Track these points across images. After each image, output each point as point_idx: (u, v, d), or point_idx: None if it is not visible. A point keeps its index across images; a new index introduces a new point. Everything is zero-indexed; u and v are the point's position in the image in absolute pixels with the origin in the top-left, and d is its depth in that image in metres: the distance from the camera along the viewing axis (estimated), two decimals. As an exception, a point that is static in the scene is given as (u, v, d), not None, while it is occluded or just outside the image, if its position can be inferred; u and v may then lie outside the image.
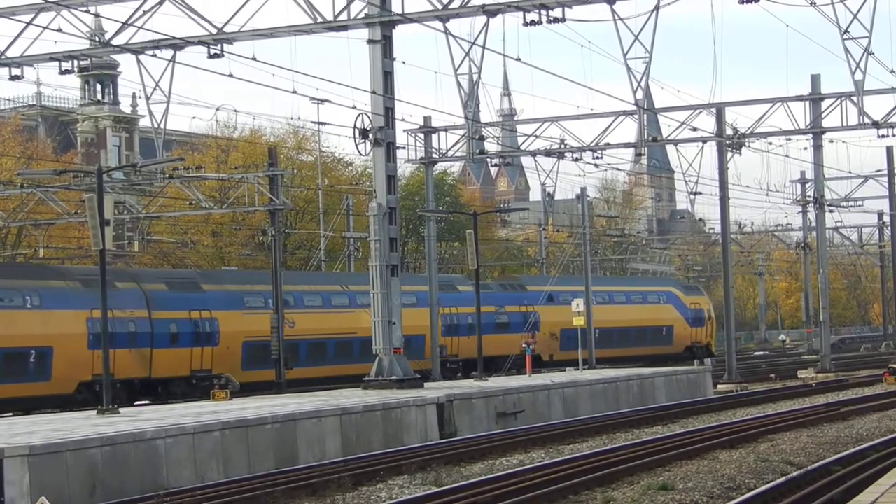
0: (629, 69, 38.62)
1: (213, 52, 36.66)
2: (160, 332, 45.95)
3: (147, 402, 43.67)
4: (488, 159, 59.43)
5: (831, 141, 57.62)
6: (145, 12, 36.79)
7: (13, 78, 38.83)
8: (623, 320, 67.97)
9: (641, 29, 37.75)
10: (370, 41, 37.13)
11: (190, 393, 45.73)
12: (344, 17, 36.93)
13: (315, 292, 53.20)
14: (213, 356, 47.61)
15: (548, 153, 55.22)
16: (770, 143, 55.38)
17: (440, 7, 36.71)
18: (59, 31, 35.24)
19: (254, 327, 48.81)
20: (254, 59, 32.42)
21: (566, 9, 35.53)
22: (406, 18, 37.05)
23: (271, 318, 48.30)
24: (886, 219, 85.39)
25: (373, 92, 37.15)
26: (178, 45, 37.08)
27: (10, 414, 39.20)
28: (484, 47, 38.20)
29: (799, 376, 59.46)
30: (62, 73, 38.94)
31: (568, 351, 60.30)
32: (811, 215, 73.75)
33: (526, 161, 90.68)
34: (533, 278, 74.47)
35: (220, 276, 53.89)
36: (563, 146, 53.78)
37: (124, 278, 46.96)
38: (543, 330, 62.77)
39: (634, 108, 43.29)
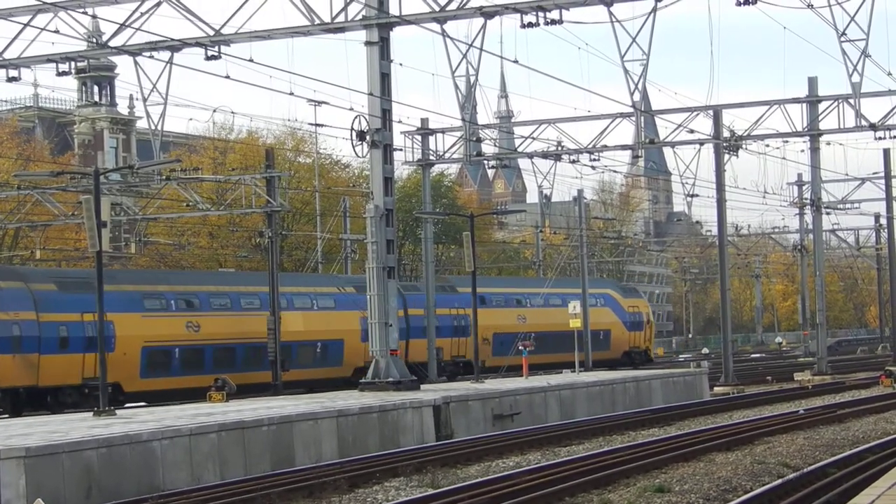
0: (626, 71, 38.67)
1: (210, 53, 36.67)
2: (48, 337, 42.01)
3: (142, 403, 43.60)
4: (485, 161, 59.31)
5: (828, 143, 57.66)
6: (143, 14, 36.80)
7: (10, 79, 38.82)
8: (557, 324, 61.46)
9: (639, 31, 37.79)
10: (367, 43, 37.14)
11: (82, 403, 41.73)
12: (341, 18, 36.94)
13: (223, 293, 49.63)
14: (108, 363, 44.74)
15: (545, 155, 55.26)
16: (767, 146, 55.48)
17: (437, 9, 36.72)
18: (57, 32, 35.22)
19: (154, 331, 45.55)
20: (251, 60, 32.40)
21: (563, 11, 35.55)
22: (403, 20, 37.05)
23: (267, 319, 48.28)
24: (883, 221, 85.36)
25: (370, 94, 37.15)
26: (175, 46, 37.07)
27: None
28: (481, 49, 38.23)
29: (795, 378, 59.48)
30: (59, 74, 38.96)
31: (501, 356, 56.01)
32: (808, 218, 73.67)
33: (523, 163, 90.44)
34: (465, 279, 70.59)
35: (116, 275, 49.98)
36: (560, 148, 53.82)
37: (9, 276, 43.30)
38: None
39: (632, 110, 43.34)
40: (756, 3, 36.30)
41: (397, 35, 37.86)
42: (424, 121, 54.10)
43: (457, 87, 39.88)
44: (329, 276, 60.12)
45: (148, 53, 37.60)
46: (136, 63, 37.81)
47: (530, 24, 35.69)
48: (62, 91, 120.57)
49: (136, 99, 71.69)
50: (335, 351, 52.35)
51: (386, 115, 37.52)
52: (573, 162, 54.27)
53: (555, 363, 59.88)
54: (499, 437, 31.68)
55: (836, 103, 53.37)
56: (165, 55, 37.64)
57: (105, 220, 29.88)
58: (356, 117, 37.09)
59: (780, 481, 21.39)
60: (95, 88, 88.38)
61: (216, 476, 25.06)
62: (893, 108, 52.01)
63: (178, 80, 54.42)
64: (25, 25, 37.47)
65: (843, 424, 34.09)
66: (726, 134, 53.30)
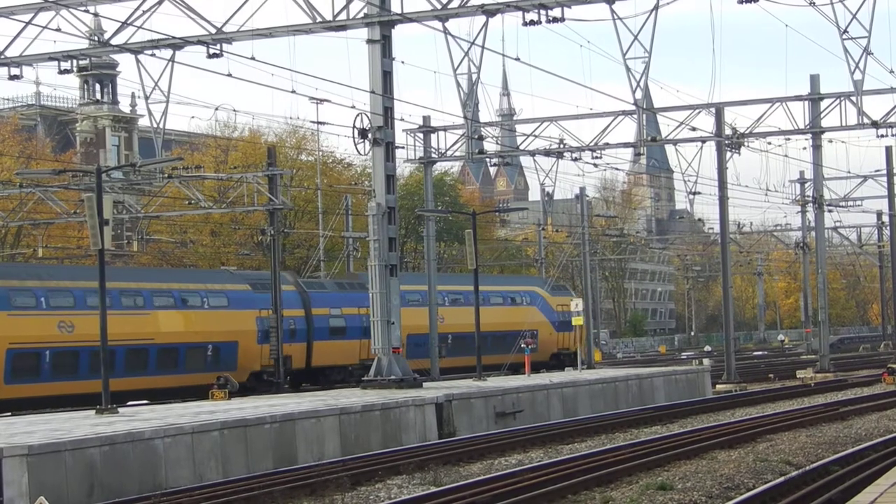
0: (628, 69, 38.62)
1: (212, 51, 36.66)
2: None
3: (144, 402, 43.59)
4: (487, 159, 59.35)
5: (830, 141, 57.63)
6: (144, 12, 36.79)
7: (12, 77, 38.82)
8: (485, 324, 56.27)
9: (641, 29, 37.77)
10: (369, 41, 37.14)
11: None
12: (343, 16, 36.93)
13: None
14: None
15: (547, 153, 55.21)
16: (769, 143, 55.40)
17: (439, 7, 36.71)
18: (59, 30, 35.24)
19: (23, 332, 41.29)
20: (253, 58, 32.42)
21: (565, 8, 35.52)
22: (405, 18, 37.04)
23: (270, 317, 48.30)
24: (885, 219, 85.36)
25: (372, 92, 37.15)
26: (177, 44, 37.07)
27: None
28: (483, 47, 38.22)
29: (798, 376, 59.46)
30: (61, 72, 38.94)
31: (415, 359, 51.08)
32: (810, 215, 73.72)
33: (525, 161, 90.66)
34: None
35: None
36: (562, 146, 53.79)
37: None
38: None
39: (633, 107, 43.26)
40: (758, 0, 36.29)
41: (399, 33, 37.92)
42: (426, 118, 54.11)
43: (459, 84, 39.87)
44: (222, 272, 55.38)
45: (150, 51, 37.60)
46: (137, 61, 37.82)
47: (532, 22, 35.67)
48: (64, 89, 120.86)
49: (138, 97, 71.76)
50: (228, 354, 47.98)
51: (388, 112, 37.53)
52: (575, 160, 54.23)
53: (474, 367, 56.91)
54: (501, 435, 31.68)
55: (838, 101, 53.33)
56: (167, 53, 37.66)
57: (107, 218, 29.85)
58: (358, 115, 37.12)
59: (782, 479, 21.39)
60: (97, 86, 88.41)
61: (218, 474, 25.07)
62: (895, 106, 51.98)
63: (180, 78, 54.76)
64: (27, 23, 37.47)
65: (845, 422, 34.09)
66: (728, 131, 53.26)
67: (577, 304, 50.70)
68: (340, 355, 52.63)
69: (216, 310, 48.37)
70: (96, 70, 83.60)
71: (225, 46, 36.76)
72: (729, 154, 53.48)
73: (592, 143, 53.31)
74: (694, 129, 51.44)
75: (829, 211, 69.95)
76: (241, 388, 45.91)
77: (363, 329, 50.92)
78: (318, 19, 36.90)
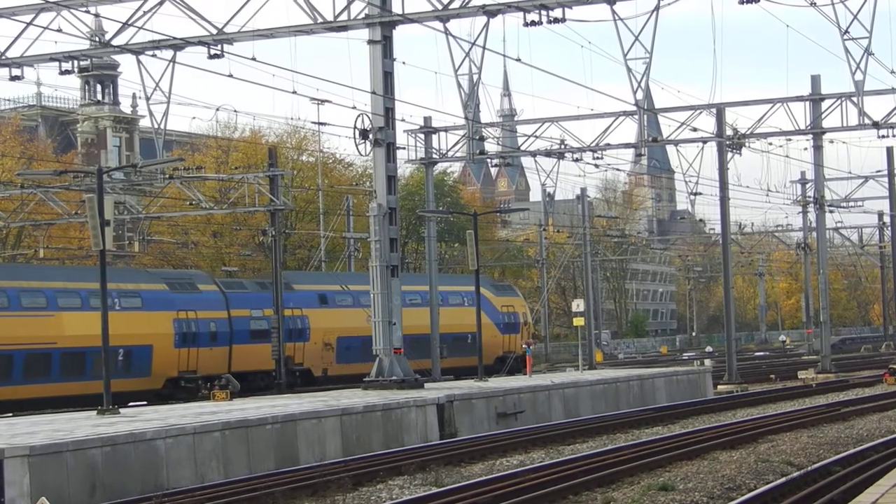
0: (629, 69, 38.64)
1: (213, 52, 36.70)
2: None
3: (145, 402, 43.60)
4: (488, 160, 59.34)
5: (831, 141, 57.66)
6: (145, 13, 36.82)
7: (13, 78, 38.87)
8: (416, 326, 53.71)
9: (641, 29, 37.82)
10: (370, 41, 37.15)
11: None
12: (344, 17, 36.95)
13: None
14: None
15: (548, 153, 55.25)
16: (770, 144, 55.45)
17: (440, 7, 36.73)
18: (60, 31, 35.28)
19: None
20: (254, 59, 32.44)
21: (566, 9, 35.55)
22: (406, 19, 37.05)
23: (271, 318, 48.30)
24: (887, 219, 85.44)
25: (373, 92, 37.16)
26: (178, 45, 37.09)
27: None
28: (484, 48, 38.25)
29: (799, 377, 59.44)
30: (62, 73, 38.99)
31: (347, 363, 50.34)
32: (811, 216, 73.73)
33: (526, 161, 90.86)
34: (302, 275, 60.91)
35: None
36: (563, 146, 53.82)
37: None
38: (314, 338, 51.93)
39: (634, 108, 43.30)
40: (759, 1, 36.30)
41: (400, 33, 37.97)
42: (427, 119, 54.14)
43: (460, 85, 39.91)
44: (136, 271, 52.79)
45: (151, 52, 37.63)
46: (138, 62, 37.85)
47: (533, 23, 35.70)
48: (65, 90, 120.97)
49: (139, 97, 71.72)
50: (141, 359, 45.17)
51: (389, 113, 37.54)
52: (576, 160, 54.26)
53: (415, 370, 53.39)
54: (502, 436, 31.67)
55: (839, 101, 53.35)
56: (168, 54, 37.69)
57: (108, 219, 29.86)
58: (359, 116, 37.13)
59: (783, 480, 21.38)
60: (98, 87, 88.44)
61: (220, 475, 25.07)
62: (896, 107, 51.99)
63: (181, 79, 54.69)
64: (28, 24, 37.50)
65: (846, 423, 34.07)
66: (729, 132, 53.26)
67: (578, 305, 50.69)
68: (263, 360, 48.90)
69: (128, 311, 45.09)
70: (97, 71, 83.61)
71: (226, 47, 36.80)
72: (730, 154, 53.49)
73: (593, 144, 53.34)
74: (695, 129, 51.48)
75: (831, 211, 69.98)
76: (155, 397, 44.15)
77: (287, 332, 49.46)
78: (319, 20, 36.92)
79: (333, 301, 53.82)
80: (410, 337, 52.16)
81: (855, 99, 49.68)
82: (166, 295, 47.15)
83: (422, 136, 54.57)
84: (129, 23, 36.78)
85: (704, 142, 52.93)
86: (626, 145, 54.01)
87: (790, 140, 55.89)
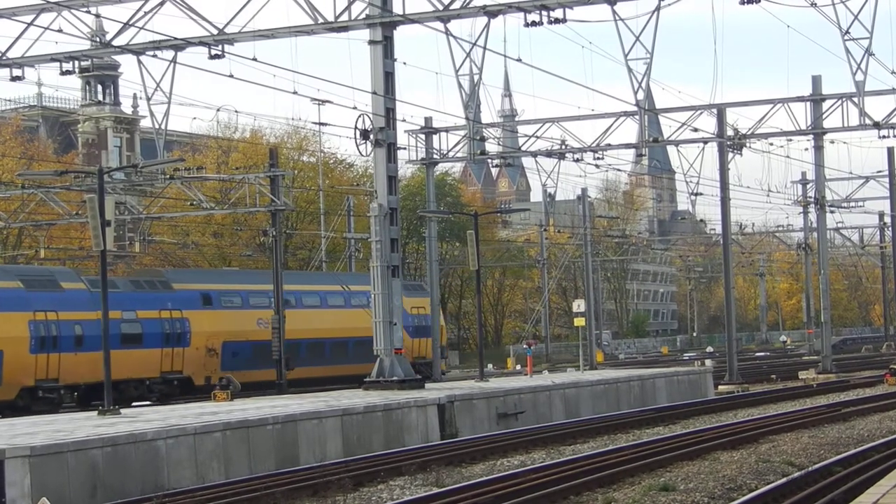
0: (630, 70, 38.66)
1: (213, 52, 36.70)
2: None
3: (147, 402, 43.59)
4: (489, 160, 59.31)
5: (832, 142, 57.67)
6: (146, 13, 36.83)
7: (14, 79, 38.88)
8: (316, 329, 51.35)
9: (642, 30, 37.84)
10: (371, 42, 37.15)
11: None
12: (345, 17, 36.96)
13: None
14: None
15: (549, 154, 55.27)
16: (771, 144, 55.46)
17: (441, 8, 36.73)
18: (60, 31, 35.29)
19: None
20: (255, 59, 32.44)
21: (567, 9, 35.56)
22: (407, 19, 37.06)
23: (272, 318, 48.31)
24: (887, 219, 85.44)
25: (374, 93, 37.16)
26: (178, 45, 37.10)
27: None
28: (485, 48, 38.26)
29: (800, 377, 59.44)
30: (63, 73, 39.00)
31: (234, 371, 45.76)
32: (812, 216, 73.69)
33: (527, 162, 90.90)
34: (185, 273, 56.09)
35: None
36: (563, 147, 53.83)
37: None
38: (196, 343, 47.62)
39: (635, 108, 43.31)
40: (759, 1, 36.31)
41: (401, 34, 37.94)
42: (428, 119, 54.15)
43: (460, 85, 39.90)
44: None
45: (151, 52, 37.65)
46: (139, 62, 37.85)
47: (534, 23, 35.70)
48: (66, 90, 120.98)
49: (140, 98, 71.50)
50: None
51: (390, 113, 37.54)
52: (577, 161, 54.27)
53: (310, 378, 48.81)
54: (503, 436, 31.67)
55: (839, 102, 53.36)
56: (169, 54, 37.69)
57: (109, 219, 29.87)
58: (360, 116, 37.13)
59: (784, 480, 21.37)
60: (99, 87, 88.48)
61: (221, 475, 25.07)
62: (897, 107, 51.98)
63: (182, 80, 54.71)
64: (29, 24, 37.51)
65: (847, 423, 34.06)
66: (730, 132, 53.27)
67: (578, 305, 50.71)
68: (135, 367, 44.50)
69: None
70: (98, 71, 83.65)
71: (227, 47, 36.81)
72: (731, 155, 53.50)
73: (594, 144, 53.35)
74: (696, 129, 51.49)
75: (831, 212, 70.03)
76: (8, 408, 40.06)
77: (164, 336, 45.77)
78: (320, 20, 36.93)
79: (219, 302, 49.01)
80: (307, 342, 50.51)
81: (856, 99, 49.67)
82: (20, 293, 42.19)
83: (422, 136, 54.58)
84: (130, 23, 36.80)
85: (705, 142, 52.94)
86: (627, 146, 54.01)
87: (791, 140, 55.94)
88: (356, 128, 37.00)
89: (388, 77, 37.37)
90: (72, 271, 47.35)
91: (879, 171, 75.91)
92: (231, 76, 35.35)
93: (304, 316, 50.85)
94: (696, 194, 54.43)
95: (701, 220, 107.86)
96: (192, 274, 56.03)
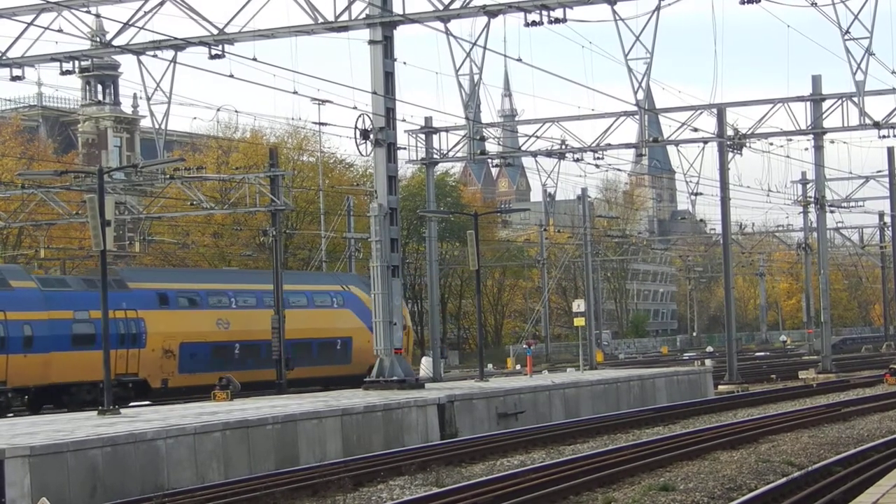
0: (630, 70, 38.65)
1: (213, 52, 36.71)
2: None
3: (146, 402, 43.56)
4: (489, 160, 59.30)
5: (832, 141, 57.66)
6: (146, 13, 36.83)
7: (14, 78, 38.88)
8: (297, 329, 49.85)
9: (642, 29, 37.84)
10: (371, 42, 37.15)
11: None
12: (345, 17, 36.96)
13: None
14: None
15: (549, 154, 55.26)
16: (771, 144, 55.45)
17: (441, 8, 36.73)
18: (60, 31, 35.29)
19: None
20: (255, 59, 32.44)
21: (567, 9, 35.56)
22: (407, 19, 37.06)
23: (271, 318, 48.32)
24: (887, 219, 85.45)
25: (374, 92, 37.16)
26: (178, 45, 37.10)
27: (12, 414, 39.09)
28: (485, 48, 38.25)
29: (800, 377, 59.44)
30: (63, 73, 38.99)
31: (192, 374, 44.89)
32: (812, 216, 73.70)
33: (527, 162, 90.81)
34: (141, 271, 54.46)
35: None
36: (563, 147, 53.82)
37: None
38: (153, 344, 45.59)
39: (635, 108, 43.31)
40: (759, 1, 36.30)
41: (401, 34, 37.95)
42: (428, 119, 54.14)
43: (460, 85, 39.89)
44: None
45: (151, 52, 37.64)
46: (139, 62, 37.86)
47: (534, 23, 35.70)
48: (66, 90, 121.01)
49: (140, 98, 71.50)
50: None
51: (390, 113, 37.54)
52: (577, 160, 54.26)
53: (271, 381, 47.00)
54: (503, 436, 31.68)
55: (839, 101, 53.35)
56: (169, 54, 37.70)
57: (109, 219, 29.88)
58: (360, 116, 37.14)
59: (784, 480, 21.37)
60: (99, 87, 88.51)
61: (220, 475, 25.07)
62: (897, 107, 51.99)
63: (182, 79, 54.64)
64: (29, 24, 37.51)
65: (847, 423, 34.06)
66: (730, 132, 53.26)
67: (578, 305, 50.71)
68: (88, 369, 41.78)
69: None
70: (98, 71, 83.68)
71: (227, 47, 36.81)
72: (731, 155, 53.50)
73: (594, 144, 53.34)
74: (696, 129, 51.48)
75: (831, 212, 70.00)
76: None
77: (118, 337, 43.40)
78: (320, 20, 36.93)
79: (176, 302, 46.99)
80: (243, 343, 48.34)
81: (856, 99, 49.65)
82: None
83: (422, 136, 54.57)
84: (130, 23, 36.79)
85: (705, 142, 52.94)
86: (627, 145, 54.00)
87: (791, 140, 55.93)
88: (356, 128, 37.01)
89: (388, 77, 37.38)
90: (21, 269, 45.78)
91: (879, 171, 75.94)
92: (231, 76, 35.37)
93: (264, 317, 48.63)
94: (696, 194, 54.47)
95: (701, 220, 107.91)
96: (149, 273, 54.32)
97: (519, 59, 37.08)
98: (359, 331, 52.43)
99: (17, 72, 38.90)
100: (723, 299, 66.21)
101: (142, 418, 28.37)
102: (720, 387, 51.96)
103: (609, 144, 53.34)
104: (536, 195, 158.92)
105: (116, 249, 69.26)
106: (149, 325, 45.61)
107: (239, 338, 48.64)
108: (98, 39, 40.66)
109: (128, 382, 44.67)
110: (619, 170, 77.34)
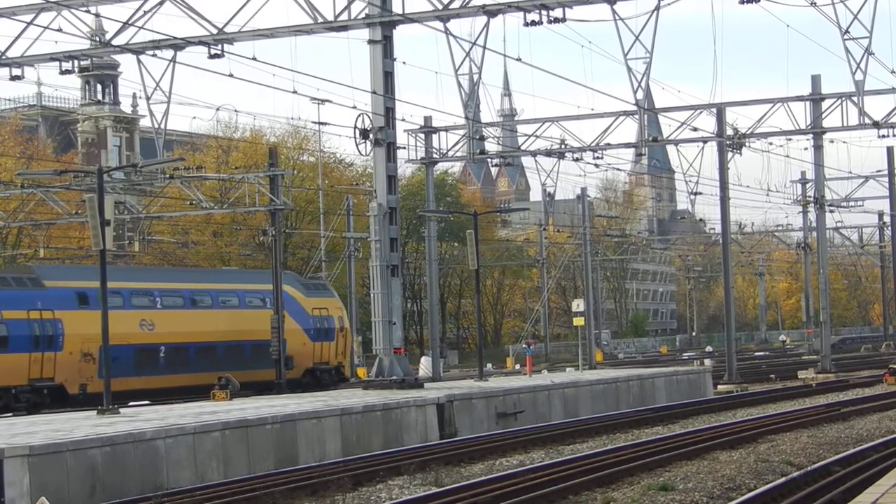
0: (630, 69, 38.66)
1: (213, 52, 36.71)
2: None
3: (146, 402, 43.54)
4: (489, 159, 59.27)
5: (832, 141, 57.66)
6: (146, 12, 36.84)
7: (14, 78, 38.89)
8: (203, 332, 46.79)
9: (642, 29, 37.85)
10: (371, 41, 37.15)
11: None
12: (344, 17, 36.96)
13: None
14: None
15: (548, 153, 55.26)
16: (770, 144, 55.44)
17: (440, 7, 36.73)
18: (60, 31, 35.29)
19: None
20: (254, 59, 32.44)
21: (567, 9, 35.56)
22: (406, 19, 37.06)
23: (271, 318, 48.31)
24: (887, 219, 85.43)
25: (373, 92, 37.16)
26: (178, 45, 37.10)
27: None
28: (484, 47, 38.27)
29: (799, 377, 59.43)
30: (63, 73, 39.00)
31: (114, 378, 37.59)
32: (811, 215, 73.76)
33: (526, 161, 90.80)
34: (58, 269, 51.01)
35: None
36: (563, 146, 53.83)
37: None
38: (70, 347, 42.38)
39: (635, 108, 43.30)
40: (759, 0, 36.31)
41: (400, 33, 38.00)
42: (428, 119, 54.16)
43: (460, 85, 39.91)
44: None
45: (151, 52, 37.65)
46: (139, 61, 37.87)
47: (533, 23, 35.70)
48: (65, 89, 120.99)
49: (140, 97, 71.68)
50: None
51: (389, 113, 37.54)
52: (576, 160, 54.28)
53: (200, 385, 43.49)
54: (502, 436, 31.67)
55: (839, 101, 53.35)
56: (168, 54, 37.71)
57: (109, 219, 29.86)
58: (359, 115, 37.14)
59: (783, 479, 21.37)
60: (99, 87, 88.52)
61: (220, 475, 25.07)
62: (896, 106, 52.01)
63: (181, 79, 54.57)
64: (28, 24, 37.52)
65: (846, 423, 34.06)
66: (730, 132, 53.25)
67: (578, 305, 50.71)
68: (1, 373, 40.21)
69: None
70: (98, 70, 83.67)
71: (226, 47, 36.81)
72: (730, 154, 53.48)
73: (594, 144, 53.36)
74: (695, 129, 51.48)
75: (831, 211, 69.96)
76: None
77: (33, 339, 41.16)
78: (320, 20, 36.93)
79: (97, 301, 42.59)
80: (169, 346, 45.38)
81: (855, 99, 49.67)
82: None
83: (422, 135, 54.59)
84: (130, 22, 36.79)
85: (705, 141, 52.93)
86: (627, 145, 54.01)
87: (790, 140, 55.93)
88: (356, 127, 37.01)
89: (388, 76, 37.38)
90: None
91: (879, 171, 75.92)
92: (231, 76, 35.36)
93: (193, 318, 46.19)
94: (696, 194, 54.44)
95: (700, 220, 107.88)
96: (67, 270, 50.61)
97: (518, 59, 37.12)
98: (293, 332, 50.08)
99: (16, 71, 38.91)
100: (722, 299, 66.19)
101: (141, 418, 28.36)
102: (719, 387, 51.95)
103: (608, 144, 53.37)
104: (536, 195, 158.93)
105: (116, 249, 69.26)
106: (66, 327, 42.44)
107: (165, 340, 45.53)
108: (97, 39, 40.65)
109: (42, 388, 41.78)
110: (618, 169, 77.19)
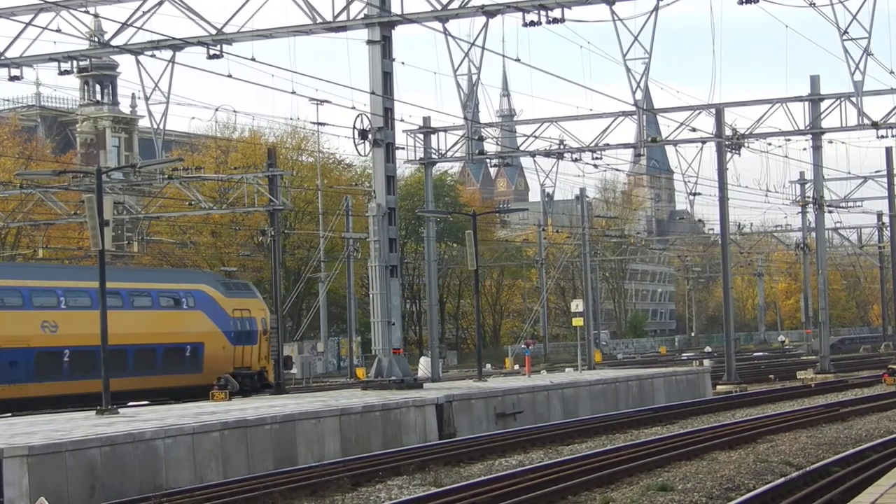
0: (628, 70, 38.65)
1: (212, 52, 36.69)
2: None
3: (145, 402, 43.52)
4: (487, 160, 59.30)
5: (830, 142, 57.64)
6: (144, 13, 36.82)
7: (12, 78, 38.86)
8: (114, 334, 40.42)
9: (641, 29, 37.82)
10: (369, 42, 37.15)
11: None
12: (343, 17, 36.95)
13: None
14: None
15: (547, 154, 55.26)
16: (769, 144, 55.44)
17: (439, 8, 36.73)
18: (59, 31, 35.25)
19: None
20: (253, 59, 32.43)
21: (565, 9, 35.55)
22: (405, 19, 37.05)
23: (270, 318, 48.35)
24: (886, 219, 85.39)
25: (372, 92, 37.16)
26: (177, 45, 37.09)
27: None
28: (483, 48, 38.24)
29: (798, 377, 59.44)
30: (61, 73, 38.98)
31: (10, 384, 38.65)
32: (810, 216, 73.72)
33: (525, 161, 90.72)
34: None
35: None
36: (562, 147, 53.84)
37: None
38: None
39: (634, 108, 43.30)
40: (758, 1, 36.30)
41: (399, 34, 37.94)
42: (426, 119, 54.16)
43: (459, 85, 39.89)
44: None
45: (150, 52, 37.63)
46: (138, 62, 37.85)
47: (532, 23, 35.69)
48: (64, 90, 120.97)
49: (139, 98, 71.68)
50: None
51: (388, 113, 37.53)
52: (575, 160, 54.29)
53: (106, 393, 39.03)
54: (501, 436, 31.67)
55: (838, 102, 53.36)
56: (167, 54, 37.69)
57: (108, 219, 29.85)
58: (358, 116, 37.12)
59: (782, 480, 21.38)
60: (97, 87, 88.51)
61: (219, 475, 25.06)
62: (895, 107, 52.00)
63: (180, 79, 54.51)
64: (27, 24, 37.50)
65: (845, 423, 34.07)
66: (728, 132, 53.26)
67: (577, 305, 50.70)
68: None
69: None
70: (96, 71, 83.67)
71: (225, 47, 36.79)
72: (729, 155, 53.49)
73: (592, 144, 53.36)
74: (694, 129, 51.49)
75: (830, 212, 69.99)
76: None
77: None
78: (319, 20, 36.92)
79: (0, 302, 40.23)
80: (74, 349, 41.09)
81: (854, 99, 49.68)
82: None
83: (421, 136, 54.59)
84: (129, 23, 36.78)
85: (703, 142, 52.95)
86: (626, 145, 54.03)
87: (789, 140, 55.91)
88: (354, 128, 36.99)
89: (387, 77, 37.38)
90: None
91: (878, 171, 75.87)
92: (230, 76, 35.33)
93: (69, 319, 42.03)
94: (695, 194, 54.45)
95: (699, 220, 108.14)
96: None
97: (517, 59, 37.11)
98: (212, 335, 47.35)
99: (15, 72, 38.89)
100: (721, 299, 66.17)
101: (140, 418, 28.36)
102: (718, 387, 51.96)
103: (607, 144, 53.38)
104: (535, 195, 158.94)
105: (115, 249, 69.25)
106: None
107: (69, 343, 41.28)
108: (96, 39, 40.66)
109: None
110: (617, 170, 77.53)
